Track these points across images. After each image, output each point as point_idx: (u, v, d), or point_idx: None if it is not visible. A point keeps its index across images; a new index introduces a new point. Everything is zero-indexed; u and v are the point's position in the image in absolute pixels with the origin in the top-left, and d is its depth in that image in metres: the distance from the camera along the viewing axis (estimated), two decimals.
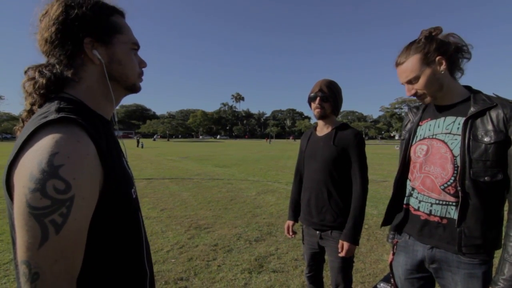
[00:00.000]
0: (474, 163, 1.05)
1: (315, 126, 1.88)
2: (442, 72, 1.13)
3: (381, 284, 1.49)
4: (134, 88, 0.80)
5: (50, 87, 0.69)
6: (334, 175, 1.66)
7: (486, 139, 1.03)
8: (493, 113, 1.05)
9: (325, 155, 1.68)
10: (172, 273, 2.78)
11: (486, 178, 1.04)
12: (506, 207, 1.07)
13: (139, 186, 7.08)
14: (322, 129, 1.79)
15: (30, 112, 0.70)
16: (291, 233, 1.93)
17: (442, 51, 1.12)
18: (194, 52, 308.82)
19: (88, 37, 0.69)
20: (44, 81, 0.68)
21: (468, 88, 1.21)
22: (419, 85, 1.17)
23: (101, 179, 0.62)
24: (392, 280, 1.45)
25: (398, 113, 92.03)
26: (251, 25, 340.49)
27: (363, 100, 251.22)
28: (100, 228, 0.63)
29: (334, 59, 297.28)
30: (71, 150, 0.55)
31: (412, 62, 1.16)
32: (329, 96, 1.67)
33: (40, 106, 0.68)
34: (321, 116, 1.71)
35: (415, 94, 1.20)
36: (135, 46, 0.78)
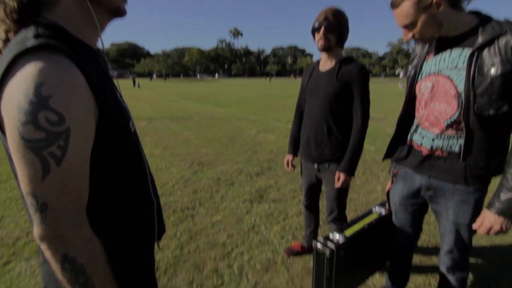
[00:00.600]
0: (478, 97, 1.02)
1: (318, 61, 1.78)
2: (441, 13, 1.02)
3: (376, 208, 1.61)
4: (118, 11, 0.71)
5: (23, 11, 0.60)
6: (335, 110, 1.64)
7: (493, 72, 0.97)
8: (502, 41, 0.96)
9: (327, 91, 1.64)
10: (178, 204, 3.01)
11: (490, 111, 1.02)
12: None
13: (139, 126, 7.15)
14: (326, 63, 1.70)
15: (7, 41, 0.63)
16: (290, 167, 2.01)
17: None
18: None
19: None
20: (15, 5, 0.59)
21: (476, 14, 1.09)
22: (416, 30, 1.07)
23: (96, 111, 0.59)
24: (387, 205, 1.56)
25: (405, 49, 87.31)
26: None
27: (370, 35, 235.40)
28: (101, 160, 0.63)
29: None
30: (57, 80, 0.51)
31: (406, 7, 1.04)
32: (334, 25, 1.54)
33: (16, 33, 0.61)
34: (325, 48, 1.61)
35: (413, 37, 1.11)
36: None
